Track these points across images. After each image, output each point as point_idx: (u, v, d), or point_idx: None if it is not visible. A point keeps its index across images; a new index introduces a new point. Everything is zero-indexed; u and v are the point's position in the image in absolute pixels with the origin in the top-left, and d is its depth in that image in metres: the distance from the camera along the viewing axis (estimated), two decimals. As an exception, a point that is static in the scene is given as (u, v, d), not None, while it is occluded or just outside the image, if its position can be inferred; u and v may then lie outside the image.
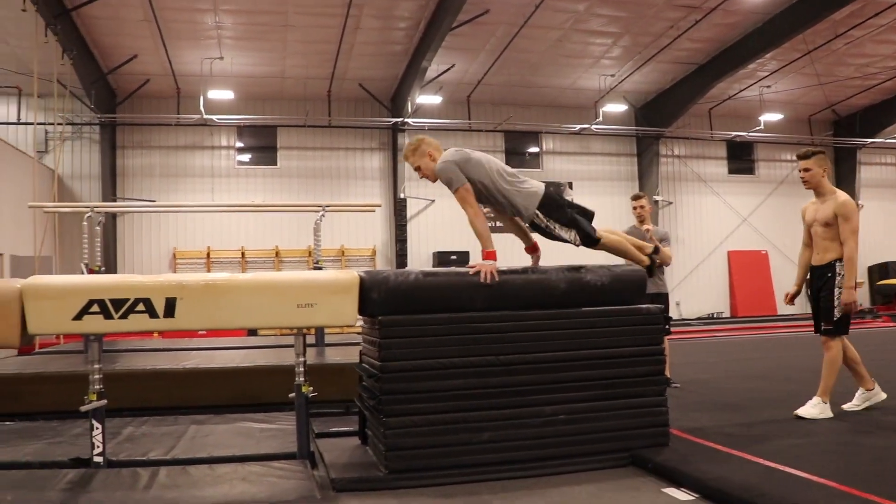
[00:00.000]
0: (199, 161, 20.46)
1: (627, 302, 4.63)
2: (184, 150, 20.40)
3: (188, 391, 6.07)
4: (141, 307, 3.85)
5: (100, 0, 14.98)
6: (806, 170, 5.52)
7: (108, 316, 3.84)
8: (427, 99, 19.96)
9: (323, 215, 7.94)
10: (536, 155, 22.42)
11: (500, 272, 4.34)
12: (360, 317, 4.40)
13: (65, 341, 10.50)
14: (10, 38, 16.56)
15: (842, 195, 5.45)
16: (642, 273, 4.81)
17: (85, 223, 7.90)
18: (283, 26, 16.75)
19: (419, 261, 20.67)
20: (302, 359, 4.26)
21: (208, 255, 19.81)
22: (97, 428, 4.10)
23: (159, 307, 3.87)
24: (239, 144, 20.87)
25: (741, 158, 23.63)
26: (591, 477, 4.17)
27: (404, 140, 20.84)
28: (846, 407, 5.52)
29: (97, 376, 4.09)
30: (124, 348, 8.46)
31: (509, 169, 4.78)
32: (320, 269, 7.79)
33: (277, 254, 20.09)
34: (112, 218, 19.24)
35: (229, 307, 3.98)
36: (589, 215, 4.71)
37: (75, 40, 16.39)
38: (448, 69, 18.59)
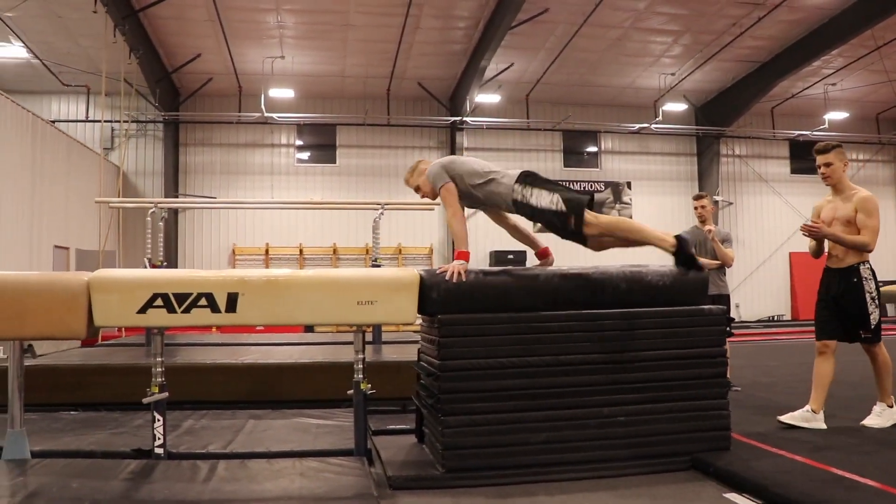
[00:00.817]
0: (259, 158, 20.73)
1: (689, 303, 4.53)
2: (244, 147, 20.70)
3: (246, 386, 6.14)
4: (203, 302, 3.90)
5: (166, 1, 15.28)
6: (827, 164, 5.19)
7: (171, 310, 3.89)
8: (486, 98, 19.91)
9: (382, 213, 7.95)
10: (595, 154, 22.20)
11: (562, 273, 4.28)
12: (420, 315, 4.38)
13: (126, 334, 10.72)
14: (81, 38, 17.02)
15: (863, 191, 5.16)
16: (705, 274, 4.70)
17: (148, 218, 8.05)
18: (344, 26, 16.87)
19: (476, 260, 20.61)
20: (361, 356, 4.26)
21: (267, 251, 20.08)
22: (159, 420, 4.16)
23: (221, 302, 3.90)
24: (299, 142, 21.10)
25: (804, 158, 22.96)
26: (649, 480, 4.08)
27: (463, 139, 20.84)
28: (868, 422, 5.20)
29: (159, 369, 4.14)
30: (183, 342, 8.60)
31: (486, 166, 4.73)
32: (379, 266, 7.80)
33: (335, 251, 20.25)
34: (174, 214, 19.64)
35: (290, 303, 4.00)
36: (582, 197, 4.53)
37: (142, 40, 16.77)
38: (507, 68, 18.51)
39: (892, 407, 5.18)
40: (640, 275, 4.47)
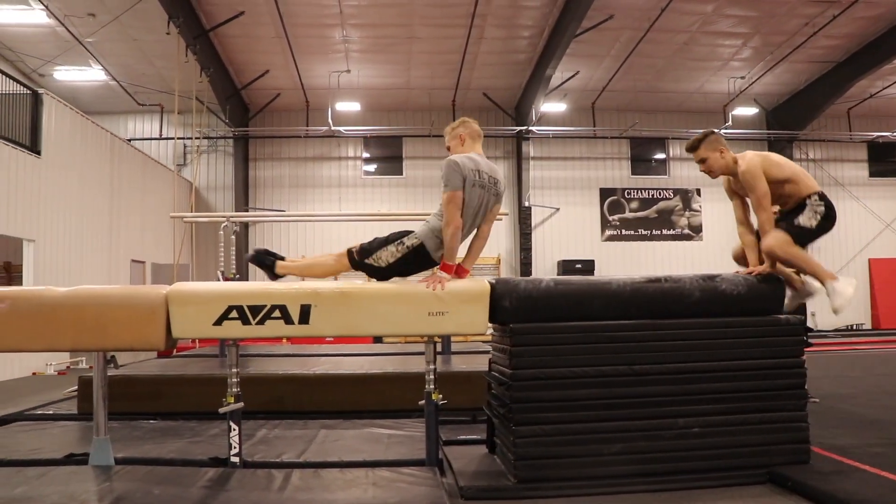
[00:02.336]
0: (326, 172, 21.03)
1: (765, 312, 4.42)
2: (312, 161, 21.03)
3: (318, 396, 6.21)
4: (277, 314, 3.96)
5: (235, 20, 15.65)
6: (702, 161, 4.86)
7: (245, 322, 3.97)
8: (551, 107, 19.85)
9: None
10: (663, 161, 21.89)
11: (635, 281, 4.23)
12: (491, 325, 4.37)
13: (200, 345, 10.97)
14: (155, 59, 17.57)
15: (743, 162, 4.75)
16: (781, 282, 4.58)
17: (221, 232, 8.24)
18: (409, 38, 17.03)
19: (544, 269, 20.53)
20: (432, 366, 4.27)
21: (335, 263, 20.31)
22: (234, 429, 4.23)
23: (294, 314, 3.97)
24: (365, 155, 21.33)
25: (884, 160, 22.22)
26: (725, 493, 3.99)
27: (529, 148, 20.80)
28: None
29: (235, 380, 4.22)
30: (255, 353, 8.75)
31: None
32: (447, 277, 7.81)
33: (402, 262, 20.38)
34: (244, 227, 20.04)
35: (362, 315, 4.04)
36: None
37: (212, 59, 17.22)
38: (572, 76, 18.42)
39: (835, 279, 4.68)
40: (713, 284, 4.39)
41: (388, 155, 21.34)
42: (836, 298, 4.56)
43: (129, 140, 18.68)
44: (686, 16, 15.88)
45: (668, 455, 4.11)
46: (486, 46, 17.34)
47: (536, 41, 17.23)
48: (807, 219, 4.65)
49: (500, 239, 20.63)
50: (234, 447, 4.24)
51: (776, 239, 4.53)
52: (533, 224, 20.76)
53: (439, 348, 7.71)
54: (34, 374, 12.91)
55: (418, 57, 17.99)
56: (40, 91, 13.56)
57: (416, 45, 17.31)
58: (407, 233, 4.45)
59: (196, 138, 18.94)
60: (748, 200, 4.84)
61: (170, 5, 14.43)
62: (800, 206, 4.71)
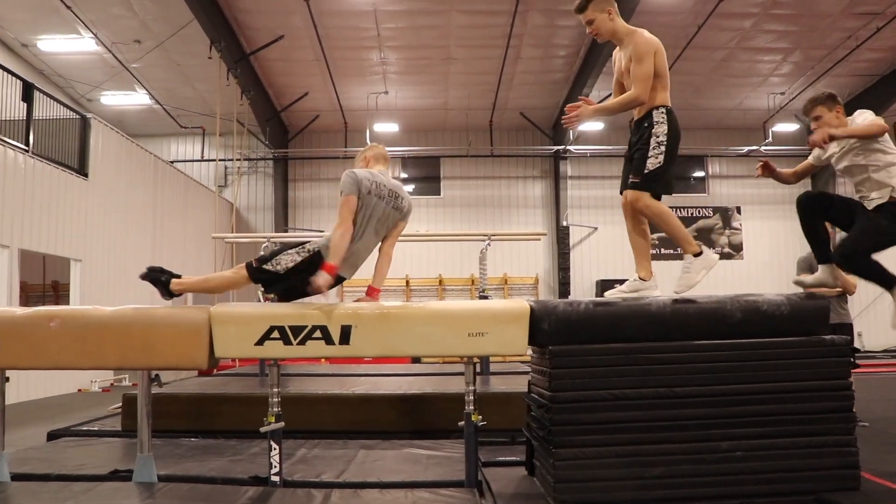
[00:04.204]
0: (365, 192, 21.18)
1: (809, 333, 4.34)
2: (351, 181, 21.19)
3: (357, 416, 6.23)
4: (318, 334, 4.00)
5: (275, 44, 15.91)
6: (589, 23, 4.50)
7: (287, 342, 4.01)
8: (589, 126, 19.83)
9: (489, 244, 7.99)
10: (702, 179, 21.74)
11: (674, 302, 4.20)
12: (530, 346, 4.37)
13: (239, 365, 11.08)
14: (197, 83, 17.93)
15: (637, 34, 4.48)
16: (825, 303, 4.51)
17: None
18: (446, 59, 17.16)
19: (582, 289, 20.44)
20: (472, 387, 4.27)
21: (374, 283, 20.41)
22: (275, 448, 4.26)
23: (335, 334, 4.00)
24: (403, 175, 21.48)
25: (931, 177, 21.79)
26: (772, 519, 3.92)
27: (567, 168, 20.78)
28: None
29: (276, 399, 4.26)
30: (293, 372, 8.80)
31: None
32: (486, 297, 7.81)
33: (441, 282, 20.43)
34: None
35: (402, 335, 4.06)
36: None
37: (252, 82, 17.51)
38: (609, 94, 18.36)
39: (699, 255, 4.54)
40: (754, 304, 4.33)
41: (426, 175, 21.47)
42: (686, 278, 4.52)
43: (172, 162, 19.03)
44: (724, 32, 15.80)
45: (711, 479, 4.04)
46: (522, 66, 17.41)
47: (573, 60, 17.26)
48: (653, 158, 4.42)
49: (538, 259, 20.59)
50: (275, 466, 4.27)
51: (633, 194, 4.47)
52: (571, 244, 20.69)
53: (478, 369, 7.70)
54: (79, 390, 13.15)
55: (455, 77, 18.12)
56: (88, 115, 13.91)
57: (452, 65, 17.44)
58: (308, 241, 4.60)
59: (237, 160, 19.22)
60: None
61: (212, 30, 14.74)
62: (647, 123, 4.48)
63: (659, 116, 4.45)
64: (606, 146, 20.53)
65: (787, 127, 20.44)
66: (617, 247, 20.95)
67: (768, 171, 5.10)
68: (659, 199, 4.52)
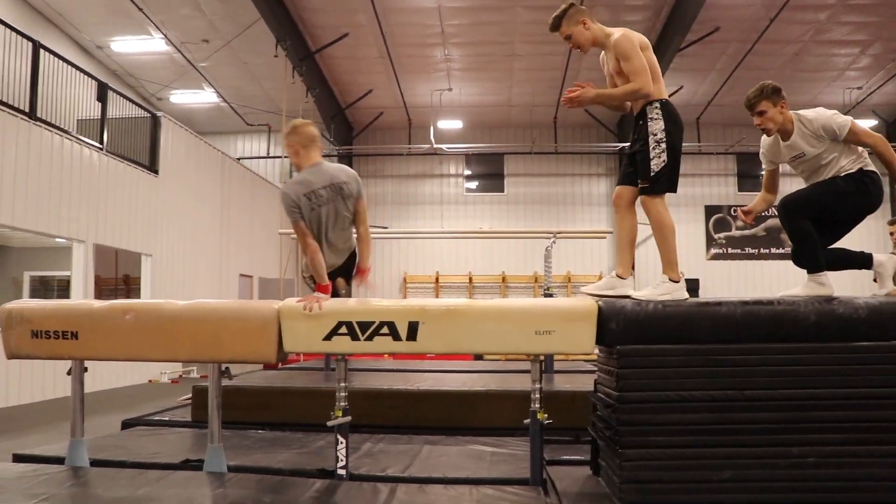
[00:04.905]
0: (428, 189, 21.28)
1: (888, 337, 4.21)
2: (414, 178, 21.32)
3: (421, 411, 6.26)
4: (385, 330, 4.03)
5: (340, 41, 16.07)
6: (567, 38, 4.48)
7: (354, 337, 4.05)
8: (654, 122, 19.54)
9: (554, 242, 7.94)
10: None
11: (745, 303, 4.11)
12: (597, 345, 4.33)
13: (304, 359, 11.24)
14: (263, 81, 18.24)
15: (616, 33, 4.40)
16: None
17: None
18: (510, 56, 17.11)
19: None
20: (538, 385, 4.25)
21: (437, 279, 20.50)
22: (341, 442, 4.31)
23: (402, 330, 4.02)
24: (467, 172, 21.51)
25: None
26: (846, 528, 3.81)
27: (630, 165, 20.52)
28: None
29: (343, 394, 4.31)
30: (357, 367, 8.89)
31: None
32: (551, 295, 7.78)
33: (504, 279, 20.40)
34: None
35: (469, 332, 4.07)
36: None
37: (318, 79, 17.73)
38: (676, 91, 18.12)
39: (676, 281, 4.43)
40: (830, 307, 4.21)
41: (490, 172, 21.46)
42: (651, 294, 4.35)
43: (239, 159, 19.39)
44: (797, 25, 15.39)
45: (781, 485, 3.95)
46: (587, 62, 17.25)
47: (639, 56, 17.03)
48: (657, 159, 4.29)
49: (602, 257, 20.41)
50: (341, 460, 4.32)
51: (646, 201, 4.39)
52: (637, 242, 20.44)
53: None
54: (150, 381, 13.51)
55: (519, 74, 18.05)
56: (159, 114, 14.26)
57: (517, 62, 17.38)
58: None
59: (302, 156, 19.47)
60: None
61: (278, 29, 14.96)
62: (641, 120, 4.36)
63: (653, 112, 4.32)
64: (672, 143, 20.24)
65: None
66: (682, 245, 20.60)
67: (751, 215, 4.93)
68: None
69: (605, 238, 18.35)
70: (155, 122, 14.00)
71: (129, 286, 15.83)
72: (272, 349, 4.16)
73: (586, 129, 20.76)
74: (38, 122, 10.87)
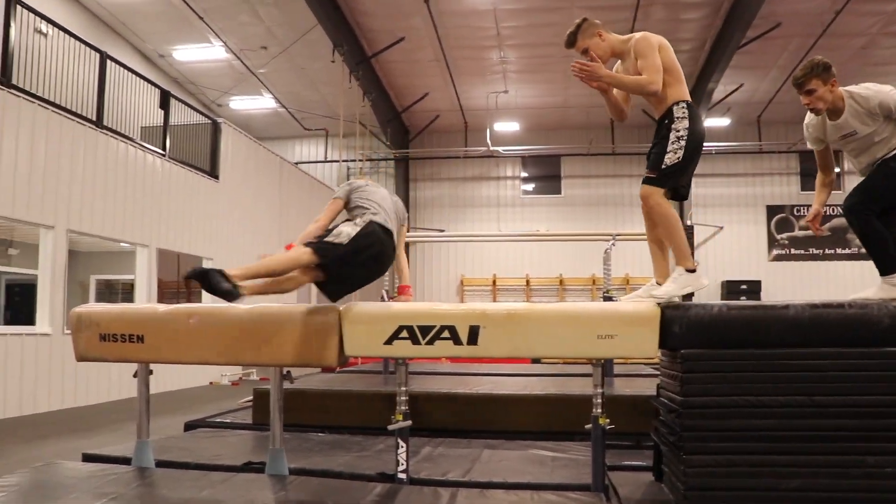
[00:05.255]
0: (485, 191, 21.27)
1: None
2: (471, 181, 21.33)
3: (481, 415, 6.24)
4: (446, 334, 4.02)
5: (396, 46, 16.16)
6: (584, 52, 4.45)
7: (415, 341, 4.05)
8: (714, 122, 19.25)
9: (614, 244, 7.86)
10: (837, 175, 20.69)
11: (814, 306, 4.00)
12: (660, 349, 4.26)
13: (361, 362, 11.31)
14: (320, 86, 18.44)
15: (637, 34, 4.34)
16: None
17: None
18: (566, 57, 16.85)
19: (708, 291, 19.83)
20: (600, 390, 4.20)
21: (494, 282, 20.46)
22: (402, 446, 4.31)
23: (463, 334, 4.01)
24: (523, 174, 21.45)
25: None
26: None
27: (690, 165, 20.21)
28: None
29: (403, 398, 4.31)
30: (416, 371, 8.91)
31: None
32: (610, 298, 7.69)
33: (561, 282, 20.26)
34: (406, 246, 20.51)
35: (530, 336, 4.03)
36: None
37: (374, 84, 17.86)
38: (736, 89, 17.82)
39: (693, 271, 4.27)
40: (905, 310, 4.07)
41: (547, 174, 21.36)
42: (670, 288, 4.19)
43: (297, 163, 19.63)
44: (864, 17, 14.95)
45: (854, 495, 3.81)
46: (645, 62, 17.04)
47: (697, 54, 16.77)
48: (672, 154, 4.17)
49: (660, 258, 20.12)
50: (402, 464, 4.32)
51: (645, 189, 4.21)
52: (695, 243, 20.11)
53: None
54: (211, 383, 13.74)
55: (576, 75, 17.91)
56: (219, 120, 14.51)
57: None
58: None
59: (359, 160, 19.64)
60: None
61: (334, 34, 15.12)
62: (667, 119, 4.25)
63: (679, 111, 4.24)
64: (732, 143, 19.86)
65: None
66: (743, 247, 20.27)
67: (817, 219, 4.90)
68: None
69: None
70: (215, 129, 14.25)
71: (190, 289, 16.13)
72: (334, 353, 4.17)
73: (644, 129, 20.46)
74: (104, 130, 11.16)
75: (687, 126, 4.20)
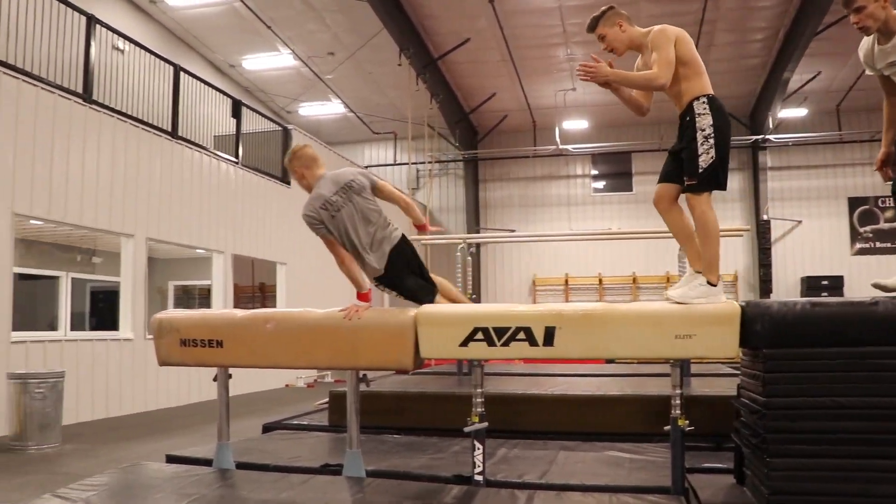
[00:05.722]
0: (555, 190, 21.12)
1: None
2: (540, 180, 21.21)
3: (557, 416, 6.18)
4: (521, 335, 4.00)
5: (462, 47, 16.17)
6: (601, 38, 4.43)
7: (491, 343, 4.04)
8: (790, 112, 18.72)
9: (687, 241, 7.68)
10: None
11: (904, 301, 3.84)
12: (741, 349, 4.15)
13: (435, 364, 11.34)
14: (387, 90, 18.60)
15: (655, 28, 4.24)
16: None
17: (458, 254, 8.47)
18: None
19: (785, 287, 19.32)
20: (678, 391, 4.12)
21: (566, 281, 20.30)
22: (478, 448, 4.30)
23: (539, 335, 3.98)
24: (594, 172, 21.23)
25: None
26: None
27: (766, 158, 19.73)
28: None
29: (479, 399, 4.30)
30: (489, 371, 8.88)
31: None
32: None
33: (635, 280, 19.99)
34: (476, 247, 20.55)
35: (607, 337, 3.98)
36: None
37: (441, 86, 17.91)
38: (813, 78, 17.27)
39: (714, 285, 4.07)
40: None
41: (617, 171, 21.10)
42: (687, 292, 4.03)
43: (367, 167, 19.82)
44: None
45: (949, 499, 3.67)
46: (715, 53, 16.69)
47: (771, 43, 16.34)
48: (705, 154, 4.08)
49: (737, 255, 19.67)
50: (479, 466, 4.31)
51: (691, 199, 4.19)
52: (772, 238, 19.60)
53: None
54: (287, 385, 13.98)
55: (644, 69, 17.66)
56: (289, 127, 14.77)
57: (642, 57, 17.01)
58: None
59: (428, 162, 19.73)
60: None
61: (400, 38, 15.22)
62: (688, 116, 4.15)
63: (700, 107, 4.14)
64: (811, 133, 19.29)
65: None
66: (824, 241, 19.66)
67: (887, 166, 4.48)
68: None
69: (741, 236, 17.68)
70: (286, 135, 14.50)
71: (265, 294, 16.44)
72: (409, 356, 4.20)
73: (717, 122, 20.11)
74: (179, 141, 11.46)
75: (711, 122, 4.12)
